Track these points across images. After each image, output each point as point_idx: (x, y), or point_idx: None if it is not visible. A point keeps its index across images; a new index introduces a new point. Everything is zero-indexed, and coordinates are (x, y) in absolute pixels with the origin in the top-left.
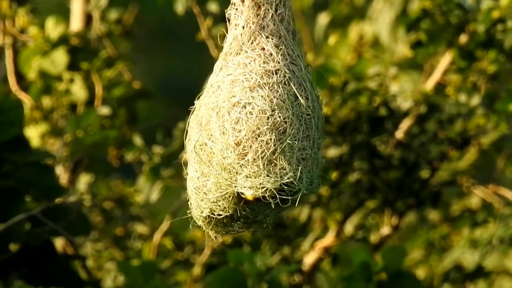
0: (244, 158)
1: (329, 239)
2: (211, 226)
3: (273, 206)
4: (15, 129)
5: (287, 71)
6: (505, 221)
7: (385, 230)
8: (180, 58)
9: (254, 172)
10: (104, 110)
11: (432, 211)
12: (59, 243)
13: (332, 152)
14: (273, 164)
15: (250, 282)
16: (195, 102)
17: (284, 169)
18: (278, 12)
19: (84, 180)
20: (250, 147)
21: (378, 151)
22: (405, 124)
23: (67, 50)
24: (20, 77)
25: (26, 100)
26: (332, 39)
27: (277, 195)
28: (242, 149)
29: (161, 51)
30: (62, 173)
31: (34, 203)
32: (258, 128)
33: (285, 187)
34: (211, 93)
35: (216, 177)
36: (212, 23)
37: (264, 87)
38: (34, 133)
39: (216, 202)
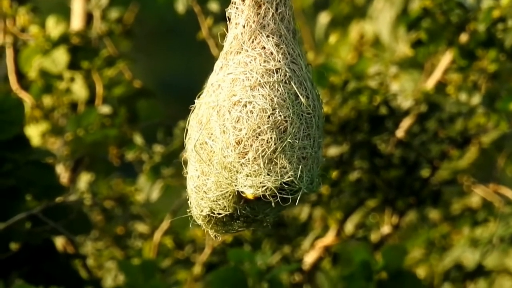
0: (244, 157)
1: (329, 238)
2: (211, 225)
3: (273, 205)
4: (15, 128)
5: (287, 70)
6: (506, 220)
7: (386, 229)
8: (180, 57)
9: (255, 171)
10: (105, 109)
11: (432, 210)
12: (59, 242)
13: (333, 151)
14: (273, 163)
15: (250, 281)
16: (195, 101)
17: (285, 168)
18: (279, 11)
19: (84, 179)
20: (251, 146)
21: (378, 150)
22: (406, 123)
23: (68, 49)
24: (21, 76)
25: (27, 99)
26: (332, 38)
27: (278, 194)
28: (243, 148)
29: (162, 50)
30: (62, 172)
31: (34, 202)
32: (259, 127)
33: (286, 186)
34: (211, 92)
35: (216, 176)
36: (212, 22)
37: (265, 86)
38: (34, 132)
39: (216, 201)
